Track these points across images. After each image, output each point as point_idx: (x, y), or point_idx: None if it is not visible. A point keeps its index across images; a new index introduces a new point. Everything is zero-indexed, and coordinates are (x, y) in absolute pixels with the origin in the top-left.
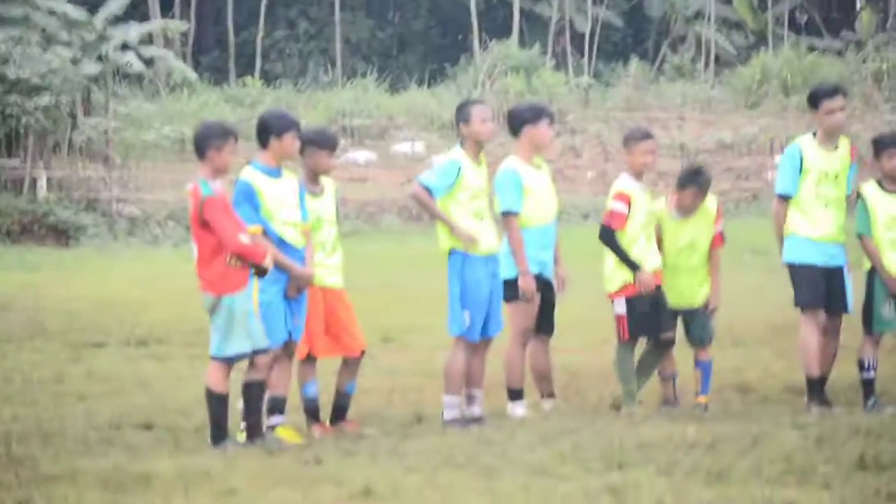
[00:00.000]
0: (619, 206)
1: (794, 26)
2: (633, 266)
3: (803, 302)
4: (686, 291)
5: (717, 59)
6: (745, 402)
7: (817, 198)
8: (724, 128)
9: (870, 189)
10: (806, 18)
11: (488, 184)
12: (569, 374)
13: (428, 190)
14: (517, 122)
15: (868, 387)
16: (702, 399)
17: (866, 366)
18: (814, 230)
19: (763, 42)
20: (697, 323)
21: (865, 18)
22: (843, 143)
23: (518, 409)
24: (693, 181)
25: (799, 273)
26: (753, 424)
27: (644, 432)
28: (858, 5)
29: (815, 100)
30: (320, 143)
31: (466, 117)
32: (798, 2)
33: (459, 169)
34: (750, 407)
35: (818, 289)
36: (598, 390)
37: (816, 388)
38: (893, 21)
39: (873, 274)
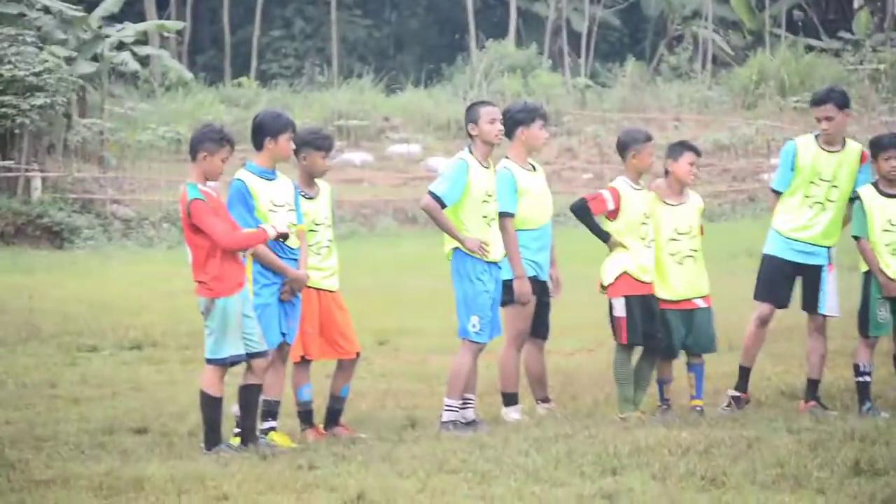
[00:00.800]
0: (605, 193)
1: (791, 26)
2: (604, 237)
3: (756, 294)
4: (693, 280)
5: (714, 59)
6: (740, 407)
7: (805, 197)
8: (721, 129)
9: (867, 192)
10: (803, 18)
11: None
12: (563, 376)
13: (439, 199)
14: (511, 123)
15: (863, 391)
16: (697, 402)
17: (861, 370)
18: (793, 227)
19: (760, 42)
20: (699, 327)
21: (863, 19)
22: (852, 148)
23: (512, 414)
24: (686, 146)
25: (764, 265)
26: (748, 429)
27: (638, 437)
28: (856, 5)
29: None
30: (316, 144)
31: (475, 118)
32: (795, 2)
33: (467, 170)
34: (745, 411)
35: (777, 285)
36: (592, 394)
37: (745, 378)
38: (891, 21)
39: (869, 277)
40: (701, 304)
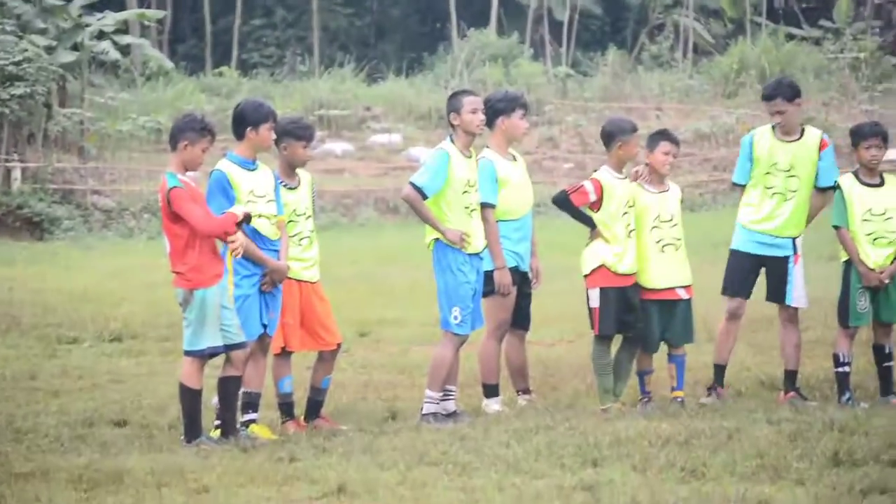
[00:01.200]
0: (587, 185)
1: (772, 15)
2: (590, 223)
3: (724, 290)
4: (674, 269)
5: (695, 47)
6: (720, 398)
7: (765, 188)
8: (702, 118)
9: (847, 181)
10: (784, 7)
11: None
12: (544, 367)
13: (420, 190)
14: (491, 112)
15: (843, 381)
16: (677, 393)
17: (841, 360)
18: (754, 219)
19: (741, 31)
20: (680, 318)
21: (843, 7)
22: (811, 135)
23: (493, 405)
24: (664, 136)
25: (730, 260)
26: (728, 420)
27: (619, 428)
28: None
29: None
30: (296, 134)
31: (457, 107)
32: None
33: (448, 161)
34: (724, 402)
35: (743, 279)
36: (573, 385)
37: (720, 376)
38: (871, 10)
39: (849, 267)
40: (682, 294)
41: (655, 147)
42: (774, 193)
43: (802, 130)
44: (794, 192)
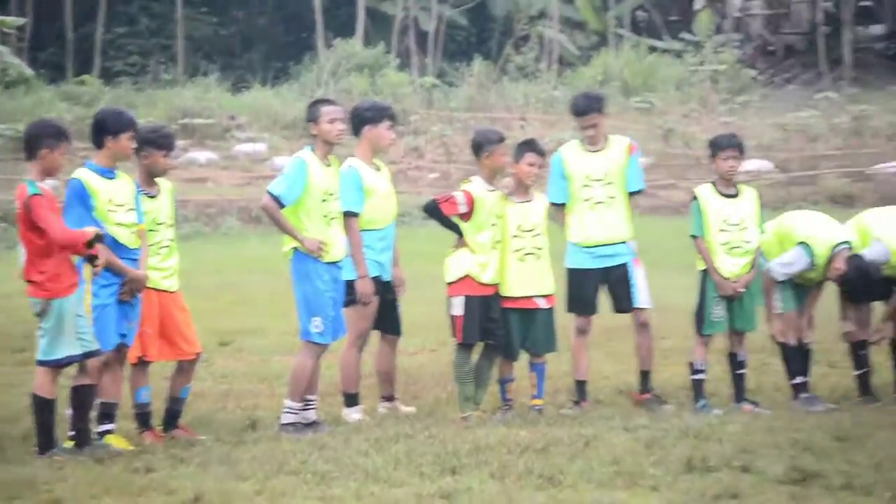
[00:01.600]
0: (458, 196)
1: (635, 27)
2: (457, 231)
3: (568, 308)
4: (535, 278)
5: (559, 59)
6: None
7: (585, 201)
8: (566, 128)
9: (704, 191)
10: (646, 19)
11: (338, 184)
12: (406, 376)
13: (277, 199)
14: (358, 121)
15: (698, 388)
16: (537, 402)
17: (696, 367)
18: (584, 236)
19: (604, 43)
20: (540, 327)
21: (703, 20)
22: (616, 142)
23: (353, 414)
24: (529, 147)
25: (570, 279)
26: (585, 428)
27: (478, 436)
28: (697, 7)
29: None
30: (157, 143)
31: (316, 117)
32: (639, 3)
33: (307, 169)
34: (583, 410)
35: (587, 295)
36: (434, 393)
37: (582, 391)
38: (731, 23)
39: (706, 276)
40: (542, 303)
41: (521, 158)
42: (596, 203)
43: (606, 138)
44: (613, 198)
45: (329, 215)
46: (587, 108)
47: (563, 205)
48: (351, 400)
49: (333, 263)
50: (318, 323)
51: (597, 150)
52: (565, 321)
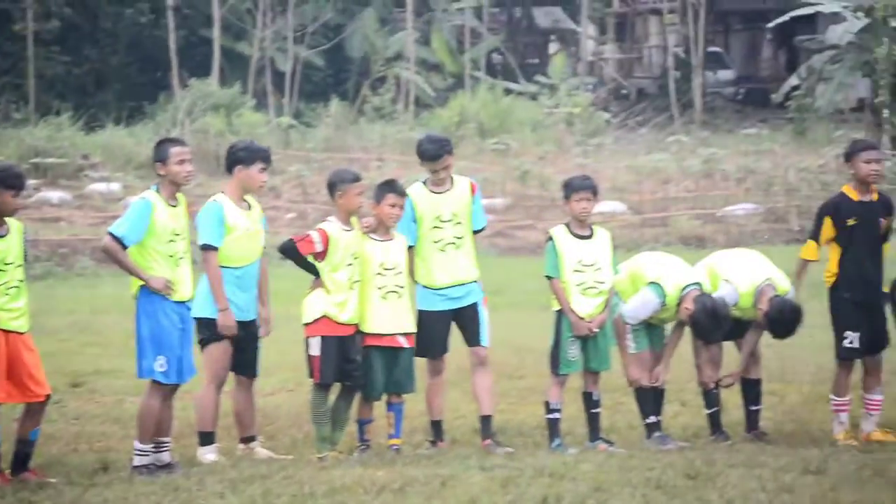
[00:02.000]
0: (314, 235)
1: (490, 70)
2: (314, 271)
3: (419, 352)
4: (397, 316)
5: (416, 100)
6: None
7: (435, 242)
8: (422, 170)
9: (559, 232)
10: (502, 62)
11: (188, 225)
12: (263, 416)
13: (119, 240)
14: (230, 160)
15: (553, 427)
16: (395, 441)
17: (552, 407)
18: (435, 278)
19: (461, 85)
20: (402, 367)
21: (558, 64)
22: (462, 182)
23: (208, 454)
24: (390, 188)
25: (423, 322)
26: (442, 467)
27: (334, 476)
28: (551, 51)
29: None
30: (5, 182)
31: (164, 157)
32: (494, 46)
33: (152, 210)
34: (440, 450)
35: (440, 338)
36: (291, 434)
37: (439, 430)
38: (584, 67)
39: (561, 316)
40: (404, 342)
41: (382, 199)
42: (446, 245)
43: (452, 179)
44: (461, 238)
45: (176, 255)
46: (440, 151)
47: (411, 247)
48: (206, 439)
49: (181, 303)
50: (162, 362)
51: (443, 191)
52: (421, 361)
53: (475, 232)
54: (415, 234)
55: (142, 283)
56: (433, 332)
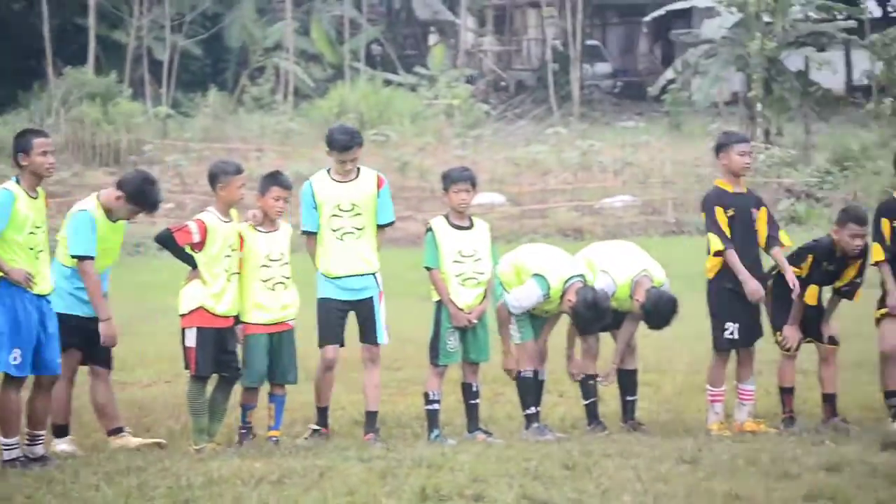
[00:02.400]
0: (192, 225)
1: (370, 61)
2: (191, 262)
3: (320, 341)
4: (284, 305)
5: (295, 91)
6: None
7: (333, 231)
8: (302, 160)
9: (438, 223)
10: (381, 53)
11: (46, 217)
12: (139, 408)
13: None
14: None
15: (432, 419)
16: (274, 433)
17: (431, 398)
18: (334, 266)
19: (340, 76)
20: (285, 356)
21: (437, 55)
22: (368, 174)
23: (62, 445)
24: (274, 181)
25: (321, 310)
26: (320, 459)
27: (212, 468)
28: (430, 42)
29: None
30: None
31: (27, 147)
32: (374, 37)
33: (13, 201)
34: (318, 441)
35: (333, 327)
36: (167, 425)
37: (324, 417)
38: (463, 59)
39: (441, 307)
40: (288, 328)
41: (267, 192)
42: (344, 234)
43: (358, 170)
44: (361, 229)
45: (36, 248)
46: (350, 143)
47: (314, 234)
48: (60, 431)
49: (41, 296)
50: (16, 355)
51: (346, 181)
52: (307, 351)
53: (382, 226)
54: (316, 221)
55: (1, 274)
56: (329, 319)
